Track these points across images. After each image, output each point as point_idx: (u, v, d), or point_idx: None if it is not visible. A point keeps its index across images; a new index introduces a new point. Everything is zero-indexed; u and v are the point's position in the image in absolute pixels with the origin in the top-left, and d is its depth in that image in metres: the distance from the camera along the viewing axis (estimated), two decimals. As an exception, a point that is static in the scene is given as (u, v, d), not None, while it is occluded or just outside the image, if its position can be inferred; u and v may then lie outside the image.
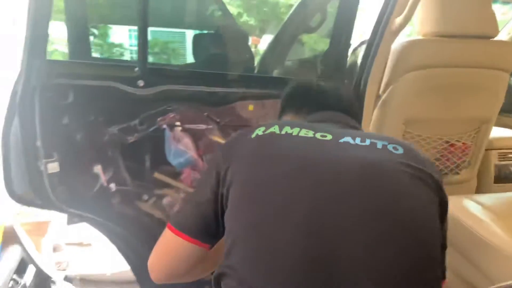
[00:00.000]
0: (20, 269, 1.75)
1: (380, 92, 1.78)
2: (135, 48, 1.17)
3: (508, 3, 3.20)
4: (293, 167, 0.72)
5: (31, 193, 1.15)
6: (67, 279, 2.58)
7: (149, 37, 1.16)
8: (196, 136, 1.33)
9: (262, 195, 0.71)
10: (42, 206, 1.20)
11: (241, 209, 0.73)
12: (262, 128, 0.81)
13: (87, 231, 2.79)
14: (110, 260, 2.57)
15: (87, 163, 1.17)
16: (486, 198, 1.51)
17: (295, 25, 2.04)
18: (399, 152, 0.76)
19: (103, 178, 1.17)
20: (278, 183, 0.71)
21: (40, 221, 2.50)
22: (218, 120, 1.36)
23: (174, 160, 1.24)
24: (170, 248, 0.83)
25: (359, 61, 1.71)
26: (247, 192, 0.73)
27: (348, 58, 1.91)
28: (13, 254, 1.79)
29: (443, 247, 0.78)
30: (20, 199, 1.20)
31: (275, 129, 0.80)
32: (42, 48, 1.02)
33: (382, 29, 1.60)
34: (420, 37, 1.74)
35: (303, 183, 0.71)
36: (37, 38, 1.00)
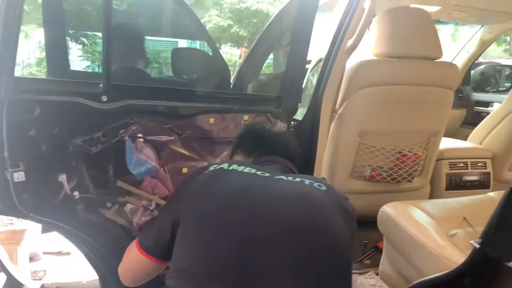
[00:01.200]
0: (-9, 278, 1.80)
1: (337, 107, 1.91)
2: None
3: (467, 24, 3.42)
4: (233, 193, 0.89)
5: (-2, 200, 1.22)
6: (43, 288, 2.60)
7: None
8: (158, 147, 1.42)
9: (205, 220, 0.85)
10: (5, 213, 1.26)
11: (185, 232, 0.88)
12: (215, 165, 0.99)
13: (66, 240, 2.82)
14: (89, 269, 2.61)
15: (52, 172, 1.24)
16: (428, 204, 1.64)
17: (267, 42, 2.17)
18: (322, 189, 0.93)
19: (66, 187, 1.25)
20: (218, 206, 0.87)
21: (15, 230, 2.52)
22: (179, 132, 1.45)
23: (134, 170, 1.32)
24: (135, 262, 1.05)
25: (315, 78, 1.85)
26: (192, 219, 0.88)
27: (306, 76, 2.05)
28: (-16, 263, 1.84)
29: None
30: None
31: (224, 166, 0.98)
32: (10, 65, 1.10)
33: (336, 50, 1.74)
34: (372, 57, 1.88)
35: (237, 203, 0.86)
36: (5, 56, 1.09)
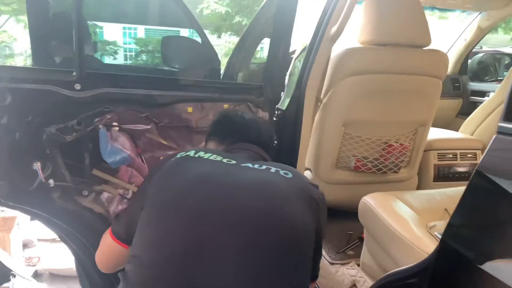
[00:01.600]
0: (-22, 263, 1.83)
1: (322, 96, 1.89)
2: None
3: (465, 11, 3.36)
4: (192, 181, 0.88)
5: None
6: (36, 274, 2.65)
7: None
8: (135, 136, 1.42)
9: (161, 209, 0.86)
10: (-17, 200, 1.28)
11: (144, 219, 0.89)
12: (182, 153, 0.99)
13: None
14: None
15: (26, 160, 1.25)
16: (410, 195, 1.63)
17: (256, 31, 2.14)
18: (288, 176, 0.93)
19: (41, 175, 1.25)
20: (175, 195, 0.87)
21: (5, 217, 2.55)
22: (156, 120, 1.45)
23: (108, 158, 1.32)
24: (109, 249, 1.07)
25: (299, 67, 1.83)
26: (151, 206, 0.89)
27: (290, 64, 2.03)
28: (-29, 248, 1.87)
29: (317, 255, 0.97)
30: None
31: (191, 153, 0.98)
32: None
33: (320, 37, 1.72)
34: (358, 45, 1.85)
35: (196, 191, 0.86)
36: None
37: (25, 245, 2.92)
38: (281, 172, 0.94)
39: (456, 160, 2.29)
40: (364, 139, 1.96)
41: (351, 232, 2.10)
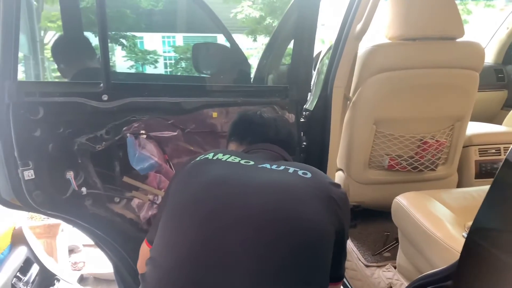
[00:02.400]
0: (25, 267, 1.94)
1: (350, 94, 1.85)
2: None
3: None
4: (209, 183, 0.89)
5: (15, 198, 1.31)
6: (81, 278, 2.77)
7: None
8: (162, 143, 1.46)
9: (177, 211, 0.87)
10: (23, 209, 1.35)
11: (162, 221, 0.90)
12: (201, 156, 1.00)
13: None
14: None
15: (59, 170, 1.31)
16: (447, 193, 1.55)
17: (284, 33, 2.13)
18: (307, 176, 0.91)
19: (74, 183, 1.31)
20: (191, 197, 0.88)
21: (50, 224, 2.69)
22: (182, 127, 1.48)
23: (137, 166, 1.36)
24: (145, 255, 1.02)
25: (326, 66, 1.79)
26: (170, 209, 0.90)
27: (315, 64, 1.99)
28: (19, 254, 1.99)
29: (340, 256, 0.94)
30: (8, 204, 1.36)
31: (209, 155, 0.99)
32: (13, 70, 1.17)
33: (345, 35, 1.68)
34: (386, 41, 1.80)
35: (209, 193, 0.86)
36: (7, 62, 1.15)
37: (71, 251, 3.06)
38: (300, 172, 0.92)
39: (499, 155, 2.14)
40: (397, 137, 1.89)
41: (388, 233, 2.03)
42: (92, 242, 3.17)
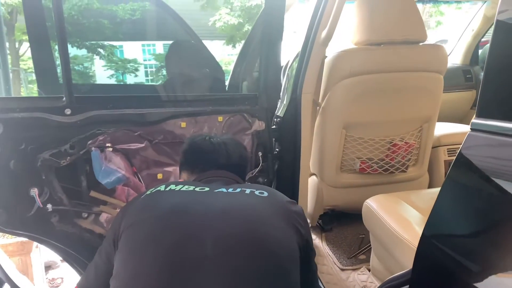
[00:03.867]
0: (-5, 288, 1.88)
1: (320, 100, 1.87)
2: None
3: (469, 1, 3.27)
4: (166, 214, 0.86)
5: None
6: (60, 295, 2.69)
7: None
8: (129, 155, 1.44)
9: (136, 248, 0.83)
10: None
11: (118, 262, 0.85)
12: (152, 189, 0.97)
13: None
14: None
15: (23, 187, 1.28)
16: (415, 195, 1.58)
17: (254, 41, 2.14)
18: (264, 195, 0.92)
19: (38, 200, 1.28)
20: (150, 231, 0.84)
21: (23, 241, 2.61)
22: (150, 138, 1.46)
23: (103, 180, 1.34)
24: None
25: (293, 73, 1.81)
26: (125, 247, 0.85)
27: (283, 71, 2.01)
28: (-11, 274, 1.92)
29: (308, 273, 0.94)
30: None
31: (161, 188, 0.96)
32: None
33: (312, 42, 1.70)
34: (352, 46, 1.82)
35: (171, 223, 0.83)
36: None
37: (48, 267, 2.97)
38: (256, 192, 0.93)
39: (468, 154, 2.19)
40: (367, 140, 1.91)
41: (363, 235, 2.05)
42: None
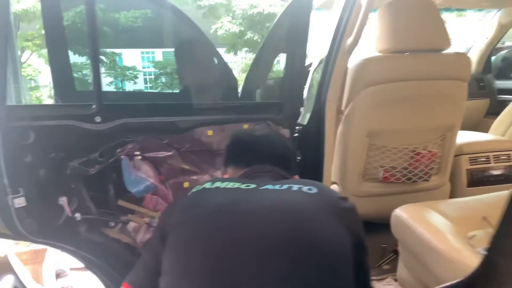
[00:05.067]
0: (13, 298, 1.85)
1: (343, 108, 1.86)
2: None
3: (483, 9, 3.28)
4: (213, 212, 0.84)
5: (4, 226, 1.24)
6: (72, 304, 2.66)
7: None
8: (157, 163, 1.42)
9: (185, 248, 0.81)
10: (14, 238, 1.29)
11: (167, 262, 0.83)
12: (198, 186, 0.95)
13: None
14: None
15: (52, 196, 1.26)
16: (444, 204, 1.55)
17: (271, 47, 2.13)
18: (313, 192, 0.88)
19: (67, 209, 1.26)
20: (198, 231, 0.82)
21: (36, 249, 2.59)
22: (178, 146, 1.45)
23: (132, 188, 1.32)
24: None
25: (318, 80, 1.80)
26: (174, 246, 0.84)
27: (308, 78, 2.00)
28: (6, 284, 1.89)
29: (361, 272, 0.88)
30: (-5, 232, 1.30)
31: (207, 185, 0.94)
32: (1, 94, 1.12)
33: (336, 50, 1.69)
34: (376, 54, 1.82)
35: (216, 223, 0.82)
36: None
37: (57, 275, 2.94)
38: (304, 188, 0.89)
39: (489, 163, 2.17)
40: (390, 149, 1.90)
41: (385, 245, 2.02)
42: (79, 266, 3.07)
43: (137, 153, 1.36)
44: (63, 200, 1.27)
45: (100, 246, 1.37)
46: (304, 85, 1.84)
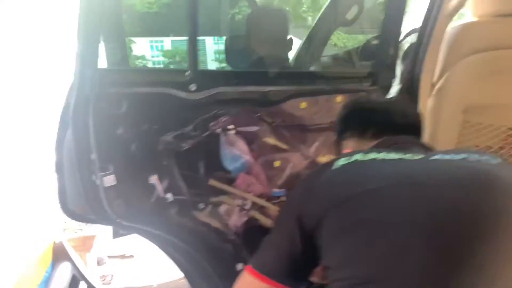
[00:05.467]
0: (72, 286, 1.74)
1: (434, 80, 1.68)
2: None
3: None
4: (393, 186, 0.70)
5: (86, 208, 1.11)
6: (116, 293, 2.58)
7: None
8: (248, 139, 1.27)
9: (372, 222, 0.68)
10: (94, 221, 1.17)
11: (347, 238, 0.70)
12: (342, 159, 0.79)
13: (128, 243, 2.78)
14: (154, 271, 2.54)
15: (143, 174, 1.12)
16: None
17: (331, 18, 1.97)
18: (496, 162, 0.74)
19: (159, 189, 1.12)
20: (374, 204, 0.69)
21: (86, 236, 2.51)
22: (270, 120, 1.29)
23: (230, 165, 1.18)
24: None
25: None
26: (348, 222, 0.71)
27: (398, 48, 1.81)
28: (65, 271, 1.78)
29: None
30: (73, 215, 1.18)
31: (357, 157, 0.78)
32: (94, 57, 0.97)
33: (436, 13, 1.50)
34: (475, 19, 1.62)
35: (401, 198, 0.68)
36: (89, 48, 0.96)
37: (97, 263, 2.87)
38: (483, 159, 0.74)
39: None
40: (486, 126, 1.70)
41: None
42: (116, 254, 2.99)
43: (231, 126, 1.21)
44: (154, 179, 1.13)
45: (188, 230, 1.23)
46: (398, 54, 1.66)
